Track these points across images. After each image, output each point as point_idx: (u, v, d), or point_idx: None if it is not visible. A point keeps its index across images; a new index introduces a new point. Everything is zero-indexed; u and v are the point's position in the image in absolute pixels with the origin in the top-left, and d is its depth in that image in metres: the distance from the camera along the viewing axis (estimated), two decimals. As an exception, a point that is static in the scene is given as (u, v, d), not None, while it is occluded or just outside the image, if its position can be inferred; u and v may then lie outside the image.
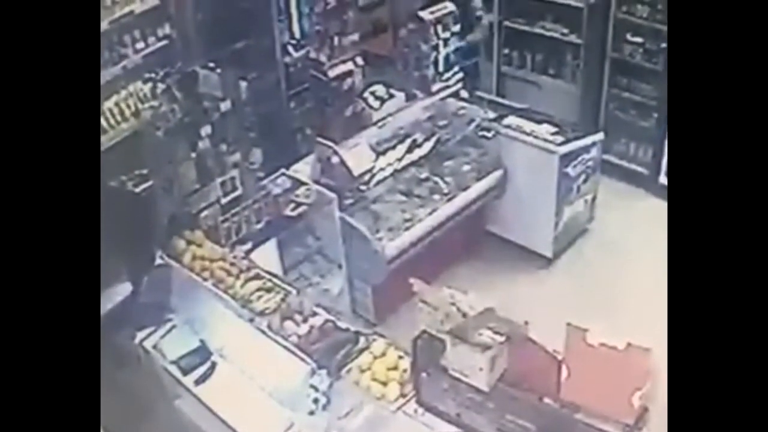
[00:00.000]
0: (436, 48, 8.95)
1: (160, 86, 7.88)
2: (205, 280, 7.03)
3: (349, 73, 8.15)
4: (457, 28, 9.08)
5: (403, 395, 5.75)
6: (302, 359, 6.15)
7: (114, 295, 7.66)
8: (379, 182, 8.49)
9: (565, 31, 10.62)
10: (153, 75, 8.37)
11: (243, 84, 7.96)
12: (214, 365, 6.92)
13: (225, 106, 7.69)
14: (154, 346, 7.12)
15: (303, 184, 8.19)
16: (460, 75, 9.35)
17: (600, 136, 9.39)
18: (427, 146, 8.95)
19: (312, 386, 6.03)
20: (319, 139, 8.17)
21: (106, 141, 8.21)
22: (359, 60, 8.26)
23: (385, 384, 5.83)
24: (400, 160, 8.64)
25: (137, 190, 8.22)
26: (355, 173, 8.06)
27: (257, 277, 6.94)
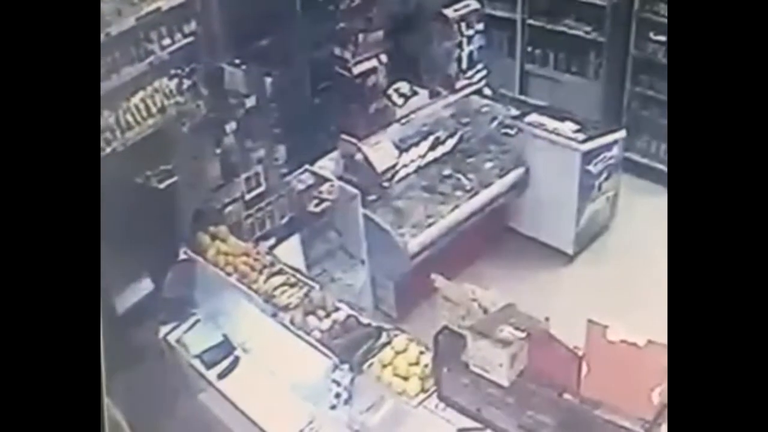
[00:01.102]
0: (459, 45, 8.98)
1: (186, 82, 7.94)
2: (229, 275, 7.07)
3: (373, 70, 8.18)
4: (481, 26, 9.10)
5: (424, 390, 5.78)
6: (324, 354, 6.19)
7: (138, 290, 7.73)
8: (402, 179, 8.53)
9: (588, 29, 10.62)
10: (179, 71, 8.43)
11: (268, 80, 8.01)
12: (237, 359, 6.98)
13: (250, 102, 7.75)
14: (178, 341, 7.18)
15: (326, 180, 8.23)
16: (484, 72, 9.39)
17: (622, 133, 9.40)
18: (450, 143, 9.00)
19: (334, 381, 6.08)
20: (343, 136, 8.22)
21: (132, 137, 8.29)
22: (383, 57, 8.28)
23: (406, 379, 5.86)
24: (423, 156, 8.68)
25: (162, 185, 8.29)
26: (379, 170, 8.10)
27: (280, 272, 6.98)
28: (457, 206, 8.84)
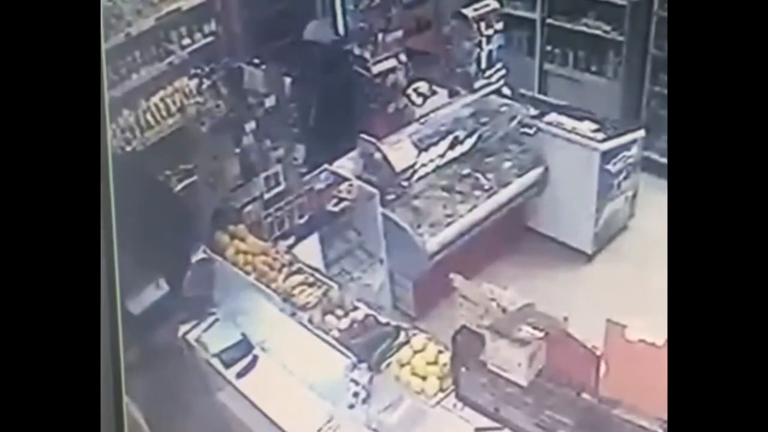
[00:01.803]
0: (479, 45, 8.97)
1: (206, 82, 7.96)
2: (248, 274, 7.09)
3: (393, 70, 8.19)
4: (500, 25, 9.10)
5: (442, 390, 5.80)
6: (343, 353, 6.20)
7: (156, 290, 7.76)
8: (420, 178, 8.52)
9: (608, 28, 10.58)
10: (199, 71, 8.44)
11: (287, 80, 8.02)
12: (255, 358, 6.99)
13: (269, 102, 7.76)
14: (197, 340, 7.20)
15: (345, 179, 8.24)
16: (503, 72, 9.38)
17: (641, 133, 9.36)
18: (469, 143, 8.98)
19: (352, 380, 6.09)
20: (362, 135, 8.23)
21: (151, 136, 8.32)
22: (403, 57, 8.29)
23: (424, 378, 5.87)
24: (442, 156, 8.67)
25: (179, 186, 8.31)
26: (398, 169, 8.11)
27: (299, 271, 6.99)
28: (475, 206, 8.82)
